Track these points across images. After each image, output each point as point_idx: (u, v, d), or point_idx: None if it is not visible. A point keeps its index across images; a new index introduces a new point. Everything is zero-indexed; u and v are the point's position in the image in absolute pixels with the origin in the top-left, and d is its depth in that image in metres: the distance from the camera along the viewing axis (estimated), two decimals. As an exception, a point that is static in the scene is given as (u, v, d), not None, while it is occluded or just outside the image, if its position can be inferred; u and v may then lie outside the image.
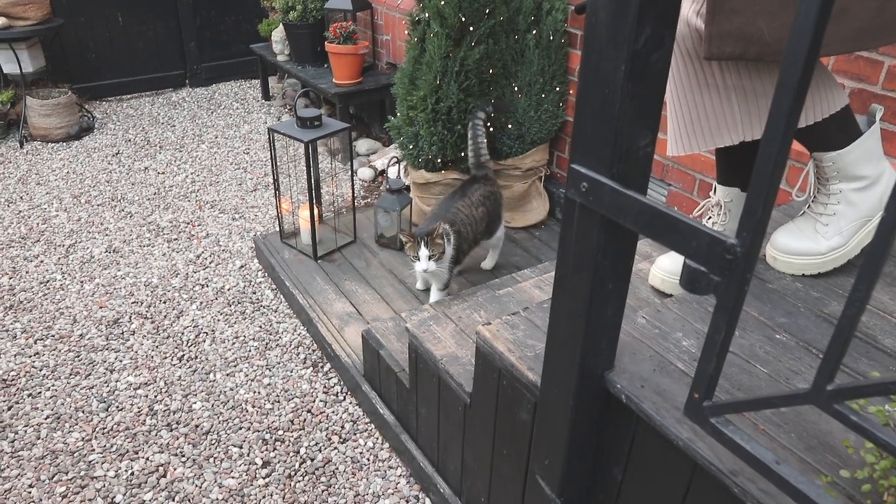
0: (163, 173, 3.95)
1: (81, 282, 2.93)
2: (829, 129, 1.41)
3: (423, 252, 2.25)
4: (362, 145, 4.19)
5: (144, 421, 2.21)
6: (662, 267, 1.57)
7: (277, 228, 3.00)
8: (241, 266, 3.04)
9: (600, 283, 0.98)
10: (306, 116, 2.63)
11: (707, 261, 0.76)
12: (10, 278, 2.94)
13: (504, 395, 1.43)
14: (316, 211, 2.86)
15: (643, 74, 0.84)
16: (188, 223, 3.41)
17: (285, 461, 2.07)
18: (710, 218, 1.61)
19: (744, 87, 1.32)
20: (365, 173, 3.87)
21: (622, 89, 0.84)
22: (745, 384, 1.07)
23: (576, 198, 0.91)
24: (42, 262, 3.07)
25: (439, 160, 2.83)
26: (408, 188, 3.05)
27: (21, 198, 3.65)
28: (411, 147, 2.87)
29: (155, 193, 3.71)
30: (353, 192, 2.94)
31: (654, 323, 1.23)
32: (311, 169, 2.66)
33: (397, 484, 2.01)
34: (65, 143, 4.34)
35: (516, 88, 2.83)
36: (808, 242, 1.43)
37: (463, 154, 2.83)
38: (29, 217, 3.45)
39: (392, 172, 3.57)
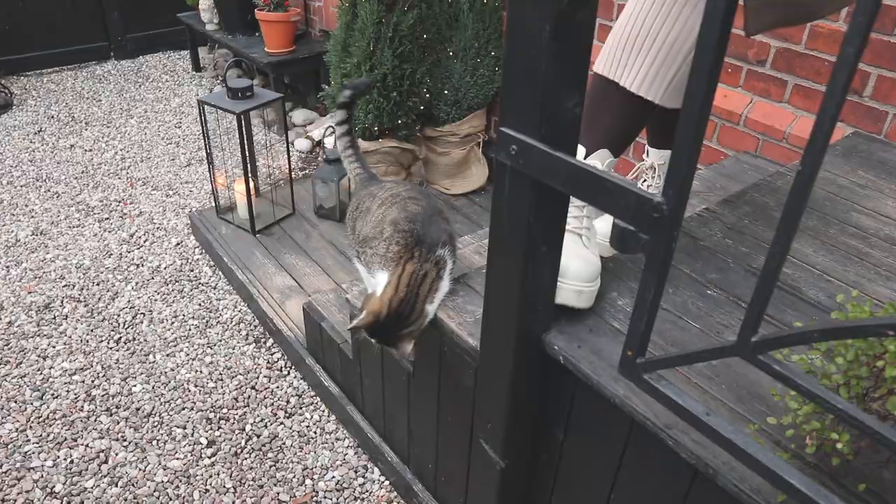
0: (90, 150, 3.79)
1: (7, 267, 2.80)
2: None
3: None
4: (298, 116, 4.09)
5: (82, 407, 2.14)
6: (598, 230, 1.59)
7: (213, 204, 2.92)
8: (178, 244, 2.95)
9: (534, 246, 0.98)
10: (237, 87, 2.54)
11: (635, 219, 0.77)
12: (-71, 266, 2.79)
13: (446, 363, 1.43)
14: (252, 184, 2.79)
15: (568, 35, 0.83)
16: (120, 201, 3.28)
17: (231, 439, 2.04)
18: (644, 181, 1.64)
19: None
20: (302, 144, 3.79)
21: (547, 50, 0.83)
22: (678, 340, 1.10)
23: (506, 161, 0.91)
24: (-38, 248, 2.92)
25: (376, 128, 2.79)
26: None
27: (-64, 181, 3.45)
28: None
29: (83, 172, 3.55)
30: (290, 164, 2.88)
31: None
32: (244, 141, 2.58)
33: (345, 455, 2.01)
34: (-19, 122, 4.11)
35: (451, 53, 2.80)
36: None
37: (400, 122, 2.80)
38: (-55, 201, 3.27)
39: (329, 142, 3.51)
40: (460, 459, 1.51)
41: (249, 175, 2.70)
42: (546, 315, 1.10)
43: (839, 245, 1.38)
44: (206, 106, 2.59)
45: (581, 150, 1.32)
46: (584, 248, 1.21)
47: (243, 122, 2.57)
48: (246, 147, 2.64)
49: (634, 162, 2.68)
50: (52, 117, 4.18)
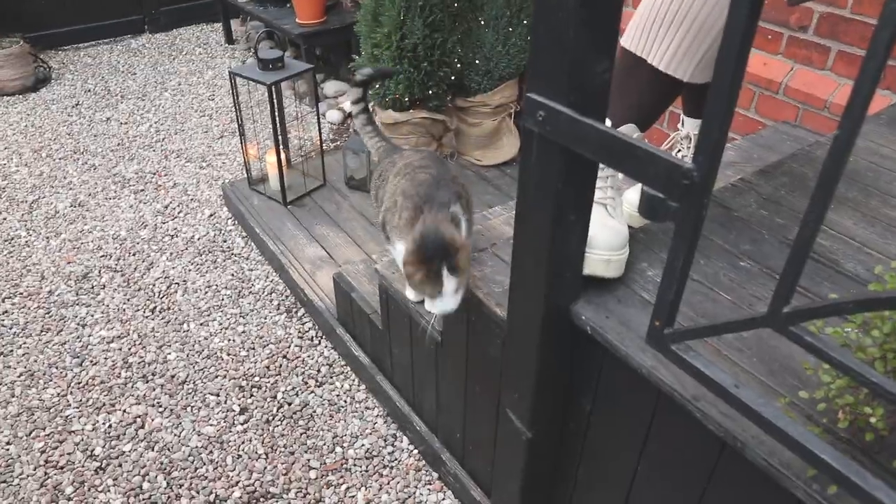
0: (125, 123, 3.84)
1: (47, 238, 2.87)
2: None
3: (449, 283, 1.29)
4: (330, 87, 4.09)
5: (119, 374, 2.20)
6: (629, 200, 1.56)
7: (245, 175, 2.94)
8: (211, 215, 2.99)
9: (562, 214, 0.97)
10: (268, 58, 2.55)
11: (665, 187, 0.75)
12: (-27, 236, 2.87)
13: (474, 333, 1.43)
14: (283, 156, 2.80)
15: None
16: (154, 173, 3.33)
17: (262, 407, 2.08)
18: (678, 151, 1.60)
19: None
20: (333, 116, 3.79)
21: (576, 13, 0.80)
22: (708, 311, 1.08)
23: (533, 128, 0.89)
24: (5, 219, 3.00)
25: (406, 99, 2.77)
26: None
27: (-22, 154, 3.54)
28: (377, 87, 2.80)
29: (119, 144, 3.61)
30: (321, 135, 2.88)
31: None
32: (275, 112, 2.59)
33: (374, 424, 2.03)
34: (21, 96, 4.18)
35: (482, 22, 2.76)
36: None
37: (430, 92, 2.77)
38: (-12, 173, 3.35)
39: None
40: (488, 429, 1.52)
41: (280, 146, 2.71)
42: (574, 285, 1.09)
43: (880, 217, 1.34)
44: (237, 77, 2.60)
45: (607, 124, 1.30)
46: (610, 217, 1.19)
47: (274, 93, 2.58)
48: (277, 118, 2.65)
49: (668, 132, 2.63)
50: (89, 91, 4.24)
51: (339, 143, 3.54)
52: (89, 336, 2.35)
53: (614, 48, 0.86)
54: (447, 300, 1.32)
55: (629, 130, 1.34)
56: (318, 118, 2.85)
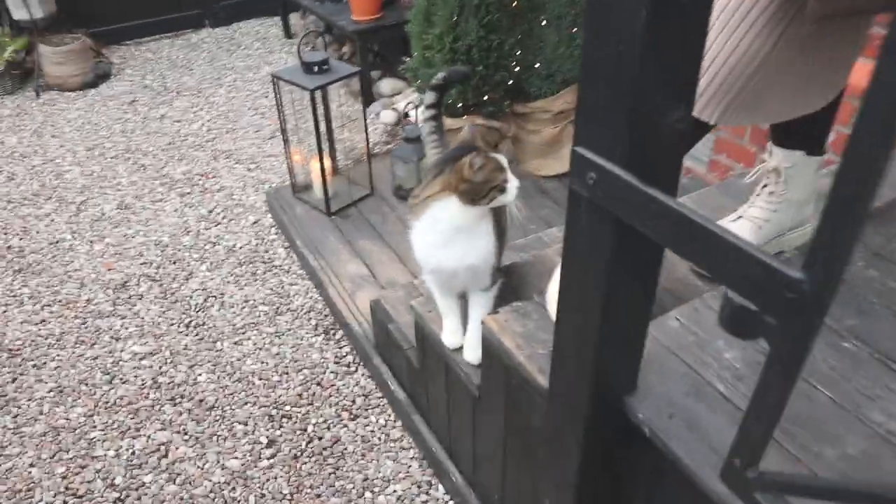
0: (179, 121, 3.78)
1: (91, 242, 2.81)
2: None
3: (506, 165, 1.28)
4: (385, 85, 3.93)
5: (148, 395, 2.10)
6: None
7: (290, 181, 2.81)
8: (255, 222, 2.87)
9: (617, 294, 0.76)
10: (311, 61, 2.40)
11: (760, 297, 0.54)
12: (21, 239, 2.84)
13: (514, 397, 1.24)
14: (329, 163, 2.66)
15: (673, 21, 0.60)
16: (202, 175, 3.24)
17: (291, 440, 1.94)
18: (765, 185, 1.36)
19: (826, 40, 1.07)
20: (387, 116, 3.62)
21: (642, 44, 0.60)
22: (802, 415, 0.85)
23: (582, 191, 0.69)
24: (53, 220, 2.96)
25: (460, 105, 2.58)
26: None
27: (35, 151, 3.53)
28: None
29: (170, 143, 3.54)
30: (368, 143, 2.72)
31: (690, 327, 1.01)
32: (317, 119, 2.44)
33: (409, 467, 1.86)
34: (81, 92, 4.18)
35: (544, 22, 2.53)
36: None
37: (486, 98, 2.57)
38: (42, 172, 3.33)
39: (412, 116, 3.33)
40: (530, 501, 1.32)
41: (325, 154, 2.56)
42: (631, 373, 0.88)
43: None
44: (280, 81, 2.46)
45: None
46: None
47: (319, 98, 2.42)
48: (320, 125, 2.50)
49: (750, 149, 2.34)
50: (147, 87, 4.21)
51: (392, 145, 3.38)
52: (122, 351, 2.26)
53: (693, 88, 0.65)
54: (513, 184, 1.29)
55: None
56: (365, 124, 2.68)
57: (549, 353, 1.14)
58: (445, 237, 1.32)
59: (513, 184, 1.29)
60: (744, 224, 1.36)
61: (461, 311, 1.49)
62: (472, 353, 1.42)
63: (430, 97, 1.74)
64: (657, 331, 1.00)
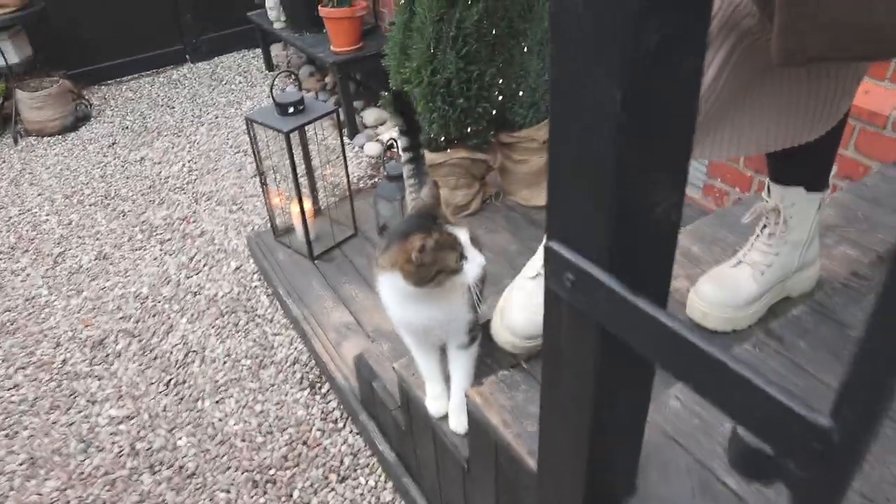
0: (159, 163, 3.69)
1: (68, 296, 2.70)
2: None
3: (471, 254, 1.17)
4: (369, 116, 3.84)
5: (125, 464, 1.98)
6: (705, 297, 1.23)
7: (270, 226, 2.71)
8: (237, 268, 2.77)
9: (608, 395, 0.66)
10: (285, 102, 2.30)
11: (777, 443, 0.43)
12: (-5, 296, 2.74)
13: (504, 476, 1.13)
14: (309, 204, 2.56)
15: (656, 94, 0.50)
16: (183, 219, 3.14)
17: (277, 509, 1.83)
18: (764, 226, 1.26)
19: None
20: (371, 148, 3.53)
21: (618, 125, 0.50)
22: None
23: (559, 292, 0.58)
24: (29, 275, 2.86)
25: (442, 139, 2.49)
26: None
27: (13, 202, 3.44)
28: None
29: (150, 187, 3.45)
30: (349, 181, 2.62)
31: (692, 408, 0.90)
32: (294, 162, 2.34)
33: (403, 533, 1.75)
34: (60, 136, 4.09)
35: (526, 49, 2.44)
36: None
37: (469, 130, 2.48)
38: (19, 224, 3.23)
39: (396, 150, 3.24)
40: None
41: (304, 197, 2.46)
42: (629, 475, 0.77)
43: None
44: (254, 123, 2.37)
45: None
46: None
47: (293, 140, 2.33)
48: (298, 167, 2.40)
49: (746, 173, 2.25)
50: (127, 128, 4.12)
51: (378, 178, 3.28)
52: (98, 416, 2.14)
53: (685, 169, 0.55)
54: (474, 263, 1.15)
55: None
56: (345, 162, 2.59)
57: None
58: (408, 299, 1.21)
59: (473, 263, 1.15)
60: (744, 270, 1.25)
61: (443, 371, 1.38)
62: (457, 422, 1.31)
63: (403, 141, 1.65)
64: (656, 413, 0.89)
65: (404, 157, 1.61)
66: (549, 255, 0.57)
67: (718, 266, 1.29)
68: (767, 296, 1.26)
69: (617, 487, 0.77)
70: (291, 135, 2.27)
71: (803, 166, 1.21)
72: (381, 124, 3.80)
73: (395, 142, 2.87)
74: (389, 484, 1.86)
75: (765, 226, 1.26)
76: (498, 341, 1.30)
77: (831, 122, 1.09)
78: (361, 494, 1.84)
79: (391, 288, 1.19)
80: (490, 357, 1.32)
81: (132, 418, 2.13)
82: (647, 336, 0.51)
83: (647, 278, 0.53)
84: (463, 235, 1.15)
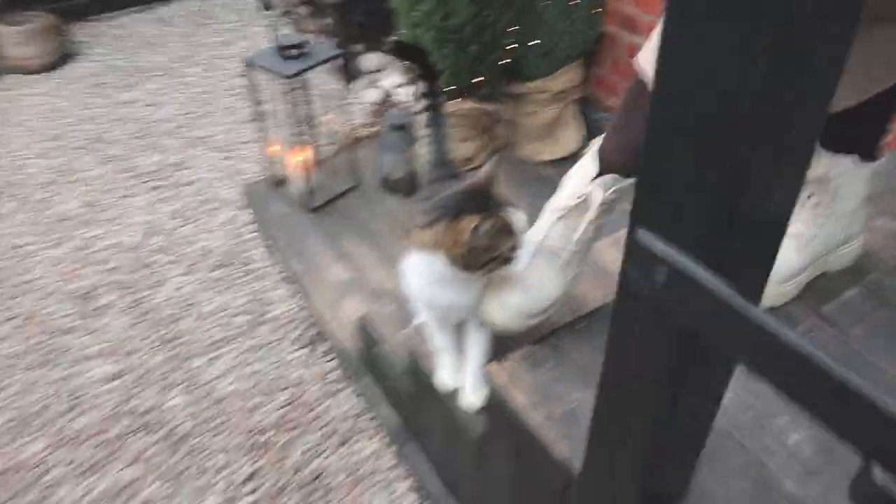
0: (150, 105, 3.52)
1: (56, 244, 2.59)
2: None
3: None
4: (370, 61, 3.65)
5: (115, 424, 1.90)
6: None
7: (270, 172, 2.58)
8: (231, 218, 2.65)
9: (679, 399, 0.57)
10: (287, 44, 2.15)
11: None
12: (-22, 242, 2.62)
13: (525, 459, 1.05)
14: (310, 154, 2.43)
15: (798, 76, 0.39)
16: (175, 166, 3.01)
17: (273, 474, 1.76)
18: (810, 196, 1.15)
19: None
20: (372, 95, 3.37)
21: (753, 101, 0.39)
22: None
23: (643, 288, 0.48)
24: (13, 221, 2.73)
25: (453, 87, 2.35)
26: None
27: (-4, 142, 3.28)
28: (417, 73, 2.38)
29: (140, 130, 3.29)
30: (352, 131, 2.49)
31: (746, 398, 0.81)
32: (297, 108, 2.21)
33: (402, 500, 1.69)
34: (45, 74, 3.90)
35: (543, -6, 2.29)
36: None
37: (483, 78, 2.34)
38: (3, 167, 3.09)
39: (404, 94, 3.10)
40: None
41: (305, 146, 2.33)
42: (683, 477, 0.69)
43: None
44: (254, 67, 2.22)
45: (592, 164, 1.04)
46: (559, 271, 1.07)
47: (296, 85, 2.19)
48: (299, 115, 2.27)
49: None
50: (115, 67, 3.93)
51: (377, 127, 3.14)
52: (89, 373, 2.06)
53: (805, 168, 0.44)
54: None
55: (609, 183, 1.03)
56: (348, 112, 2.44)
57: (571, 410, 0.96)
58: (442, 281, 1.10)
59: (525, 252, 1.07)
60: (787, 242, 1.15)
61: (457, 343, 1.29)
62: (472, 399, 1.23)
63: (419, 87, 1.50)
64: (708, 407, 0.80)
65: (419, 105, 1.47)
66: (634, 245, 0.47)
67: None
68: (809, 269, 1.17)
69: (672, 488, 0.69)
70: (293, 80, 2.13)
71: (855, 133, 1.11)
72: (382, 70, 3.63)
73: (399, 90, 2.72)
74: (391, 449, 1.79)
75: (810, 195, 1.16)
76: (492, 321, 1.14)
77: (883, 86, 0.97)
78: (361, 459, 1.78)
79: (427, 268, 1.08)
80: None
81: (123, 374, 2.05)
82: (756, 350, 0.41)
83: (749, 282, 0.44)
84: (520, 220, 1.05)
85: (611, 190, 1.05)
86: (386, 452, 1.80)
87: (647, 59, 0.93)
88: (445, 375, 1.28)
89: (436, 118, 1.45)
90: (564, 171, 2.65)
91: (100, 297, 2.32)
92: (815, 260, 1.18)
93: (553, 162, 2.67)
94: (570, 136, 2.64)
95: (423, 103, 1.46)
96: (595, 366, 1.02)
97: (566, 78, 2.48)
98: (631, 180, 1.04)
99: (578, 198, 1.07)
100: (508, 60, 2.38)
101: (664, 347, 0.50)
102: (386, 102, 3.32)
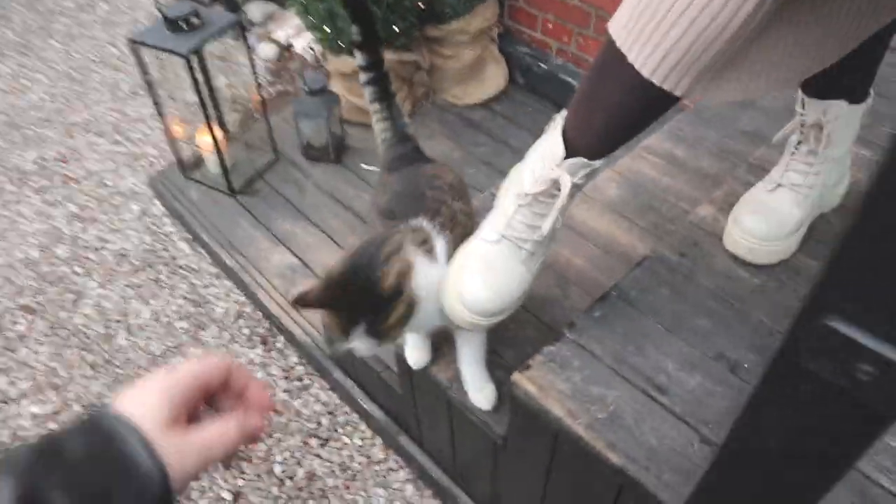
0: (10, 92, 3.10)
1: (-62, 271, 2.27)
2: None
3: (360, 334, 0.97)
4: (255, 10, 3.34)
5: (66, 466, 1.72)
6: (750, 231, 1.10)
7: (176, 160, 2.34)
8: (140, 212, 2.41)
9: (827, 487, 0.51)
10: (176, 16, 1.90)
11: None
12: None
13: (563, 468, 1.00)
14: (220, 132, 2.20)
15: None
16: (59, 160, 2.68)
17: (260, 488, 1.65)
18: (800, 143, 1.12)
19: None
20: (267, 51, 3.10)
21: None
22: None
23: (836, 379, 0.41)
24: None
25: (366, 41, 2.16)
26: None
27: None
28: (326, 28, 2.18)
29: (7, 123, 2.90)
30: (262, 100, 2.28)
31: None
32: (199, 87, 1.98)
33: (403, 492, 1.63)
34: None
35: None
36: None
37: (397, 29, 2.17)
38: None
39: (302, 51, 2.86)
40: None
41: (213, 124, 2.11)
42: None
43: None
44: (143, 48, 1.96)
45: (558, 144, 0.92)
46: (521, 264, 0.99)
47: (194, 63, 1.94)
48: (203, 91, 2.03)
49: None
50: (-45, 50, 3.42)
51: (281, 86, 2.90)
52: (17, 416, 1.85)
53: None
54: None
55: (576, 167, 0.92)
56: (257, 79, 2.22)
57: (610, 414, 0.91)
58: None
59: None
60: (785, 195, 1.12)
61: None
62: (481, 396, 1.16)
63: (359, 58, 1.34)
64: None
65: (363, 77, 1.31)
66: (826, 333, 0.39)
67: (753, 191, 1.16)
68: (808, 218, 1.16)
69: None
70: (192, 57, 1.89)
71: (846, 77, 1.07)
72: (270, 19, 3.34)
73: (297, 41, 2.50)
74: (378, 440, 1.72)
75: (800, 142, 1.13)
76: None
77: (868, 33, 0.93)
78: (350, 456, 1.70)
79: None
80: (513, 322, 1.16)
81: (60, 413, 1.85)
82: None
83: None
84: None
85: (578, 176, 0.95)
86: (373, 444, 1.72)
87: (620, 25, 0.82)
88: (413, 353, 1.20)
89: (385, 90, 1.30)
90: (495, 114, 2.56)
91: (8, 329, 2.07)
92: (815, 207, 1.17)
93: (479, 105, 2.56)
94: (494, 75, 2.53)
95: (367, 76, 1.30)
96: (621, 359, 0.98)
97: (484, 15, 2.34)
98: (598, 163, 0.94)
99: (543, 184, 0.95)
100: (421, 4, 2.21)
101: (843, 435, 0.44)
102: (285, 59, 3.07)
